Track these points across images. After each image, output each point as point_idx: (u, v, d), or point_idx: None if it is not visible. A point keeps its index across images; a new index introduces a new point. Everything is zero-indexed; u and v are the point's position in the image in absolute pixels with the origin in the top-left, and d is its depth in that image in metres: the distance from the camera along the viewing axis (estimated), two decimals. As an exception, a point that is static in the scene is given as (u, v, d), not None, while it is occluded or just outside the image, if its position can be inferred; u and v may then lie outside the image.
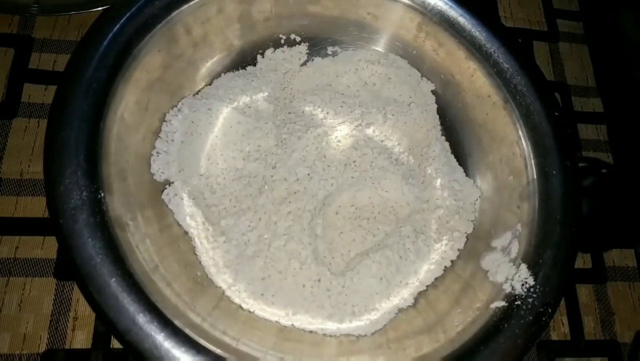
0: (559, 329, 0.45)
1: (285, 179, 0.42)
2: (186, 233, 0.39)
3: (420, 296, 0.40)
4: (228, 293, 0.38)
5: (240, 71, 0.45)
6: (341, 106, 0.45)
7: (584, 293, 0.46)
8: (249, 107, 0.44)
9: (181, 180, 0.40)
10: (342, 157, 0.44)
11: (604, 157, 0.52)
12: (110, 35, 0.36)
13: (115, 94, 0.36)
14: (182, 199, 0.39)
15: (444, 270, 0.41)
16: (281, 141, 0.43)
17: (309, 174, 0.42)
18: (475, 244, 0.41)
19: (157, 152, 0.40)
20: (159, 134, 0.41)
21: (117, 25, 0.36)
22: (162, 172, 0.40)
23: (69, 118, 0.34)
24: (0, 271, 0.39)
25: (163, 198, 0.39)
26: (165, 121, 0.41)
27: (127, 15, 0.37)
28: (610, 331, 0.45)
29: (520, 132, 0.40)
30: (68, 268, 0.39)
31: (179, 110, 0.42)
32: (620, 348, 0.45)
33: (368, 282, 0.38)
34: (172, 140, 0.41)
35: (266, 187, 0.41)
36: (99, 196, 0.32)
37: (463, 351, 0.33)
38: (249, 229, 0.39)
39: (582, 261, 0.47)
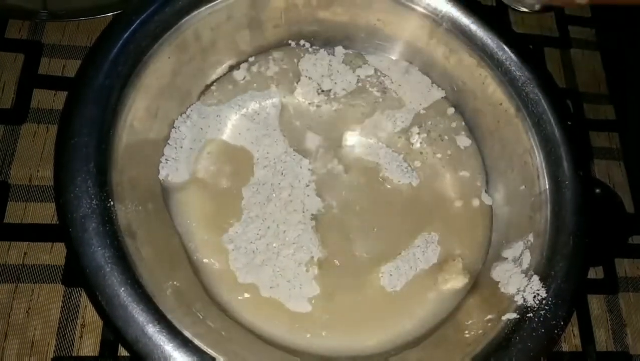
0: (570, 340, 0.44)
1: (294, 186, 0.41)
2: (194, 241, 0.39)
3: (430, 307, 0.39)
4: (236, 302, 0.37)
5: (250, 77, 0.45)
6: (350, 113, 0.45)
7: (596, 303, 0.46)
8: (258, 114, 0.44)
9: (190, 187, 0.40)
10: (352, 164, 0.43)
11: (616, 165, 0.52)
12: (121, 42, 0.36)
13: (125, 101, 0.36)
14: (191, 206, 0.39)
15: (454, 280, 0.40)
16: (290, 148, 0.43)
17: (318, 182, 0.42)
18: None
19: (165, 159, 0.40)
20: (168, 141, 0.41)
21: (128, 32, 0.36)
22: (170, 179, 0.40)
23: (79, 125, 0.33)
24: (9, 277, 0.38)
25: (172, 205, 0.39)
26: (174, 127, 0.41)
27: (138, 22, 0.37)
28: (622, 343, 0.45)
29: (532, 141, 0.40)
30: (76, 275, 0.39)
31: (188, 116, 0.42)
32: None
33: (378, 294, 0.38)
34: (181, 147, 0.41)
35: (274, 195, 0.41)
36: (109, 204, 0.32)
37: (474, 363, 0.33)
38: (257, 237, 0.39)
39: (594, 271, 0.47)
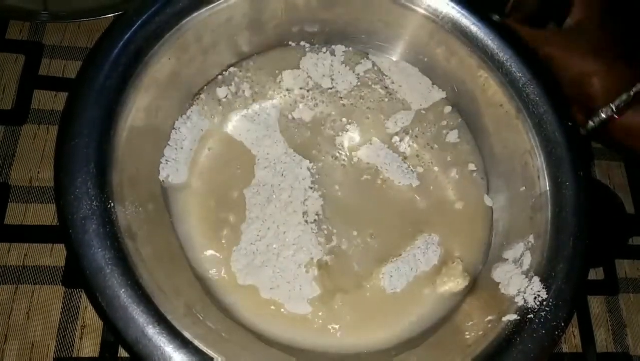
0: (570, 341, 0.44)
1: (294, 187, 0.41)
2: (195, 241, 0.39)
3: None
4: (236, 303, 0.37)
5: (250, 77, 0.45)
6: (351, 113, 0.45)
7: (596, 304, 0.46)
8: (258, 114, 0.44)
9: (190, 188, 0.40)
10: (352, 165, 0.43)
11: (617, 166, 0.52)
12: (121, 43, 0.36)
13: (126, 102, 0.36)
14: (191, 207, 0.39)
15: (455, 281, 0.40)
16: (290, 149, 0.43)
17: (318, 183, 0.42)
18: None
19: (166, 160, 0.40)
20: (168, 142, 0.41)
21: (128, 33, 0.36)
22: (170, 180, 0.40)
23: (79, 126, 0.33)
24: (9, 278, 0.38)
25: (172, 206, 0.39)
26: (174, 128, 0.41)
27: (138, 23, 0.36)
28: (623, 344, 0.45)
29: (532, 142, 0.40)
30: (76, 276, 0.38)
31: (188, 117, 0.42)
32: (633, 361, 0.44)
33: (378, 295, 0.38)
34: (181, 148, 0.41)
35: (274, 196, 0.41)
36: (109, 206, 0.32)
37: (475, 365, 0.33)
38: (257, 238, 0.39)
39: (595, 272, 0.47)
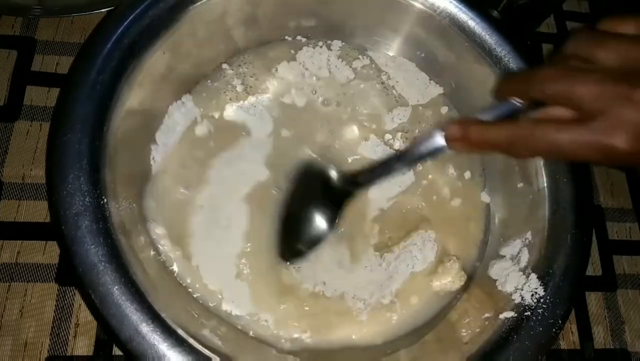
0: (568, 338, 0.44)
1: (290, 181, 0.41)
2: (188, 237, 0.38)
3: (427, 305, 0.39)
4: (229, 300, 0.37)
5: (246, 72, 0.45)
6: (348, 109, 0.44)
7: (594, 300, 0.45)
8: (254, 106, 0.43)
9: (182, 181, 0.39)
10: (349, 161, 0.43)
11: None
12: (114, 37, 0.35)
13: (119, 97, 0.35)
14: (185, 202, 0.39)
15: (452, 278, 0.40)
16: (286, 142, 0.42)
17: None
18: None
19: (156, 145, 0.39)
20: (160, 127, 0.40)
21: (122, 27, 0.36)
22: (159, 165, 0.39)
23: (71, 122, 0.33)
24: (2, 276, 0.38)
25: (166, 202, 0.38)
26: (167, 113, 0.41)
27: (132, 17, 0.36)
28: (621, 340, 0.45)
29: (530, 138, 0.39)
30: (70, 274, 0.38)
31: (183, 103, 0.41)
32: (631, 358, 0.44)
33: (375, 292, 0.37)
34: (173, 132, 0.40)
35: (268, 193, 0.40)
36: (102, 202, 0.32)
37: (472, 362, 0.33)
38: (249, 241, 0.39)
39: (592, 268, 0.47)
